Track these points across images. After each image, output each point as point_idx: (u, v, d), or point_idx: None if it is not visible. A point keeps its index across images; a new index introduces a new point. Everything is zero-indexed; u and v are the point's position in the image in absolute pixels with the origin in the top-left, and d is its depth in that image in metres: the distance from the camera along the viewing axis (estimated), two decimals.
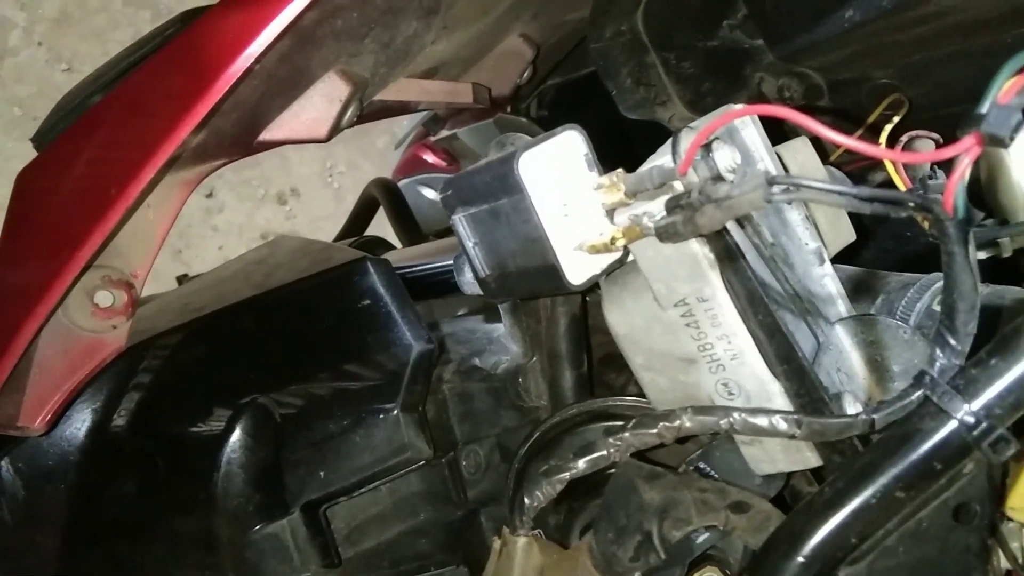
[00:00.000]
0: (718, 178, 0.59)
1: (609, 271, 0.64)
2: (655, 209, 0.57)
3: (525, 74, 1.08)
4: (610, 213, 0.61)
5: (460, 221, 0.66)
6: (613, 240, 0.59)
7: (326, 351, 0.93)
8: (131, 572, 0.89)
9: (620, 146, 0.73)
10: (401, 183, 1.67)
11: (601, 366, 0.94)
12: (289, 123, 0.89)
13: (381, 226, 1.52)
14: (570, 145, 0.61)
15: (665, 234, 0.54)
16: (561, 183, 0.60)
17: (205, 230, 2.29)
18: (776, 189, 0.48)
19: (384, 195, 1.45)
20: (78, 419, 0.88)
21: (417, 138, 1.89)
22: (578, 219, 0.60)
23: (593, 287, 0.69)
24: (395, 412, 0.87)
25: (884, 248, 1.00)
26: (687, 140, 0.60)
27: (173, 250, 2.22)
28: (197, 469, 0.89)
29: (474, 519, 0.93)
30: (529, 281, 0.63)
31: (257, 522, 0.87)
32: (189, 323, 0.94)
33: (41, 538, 0.88)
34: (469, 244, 0.65)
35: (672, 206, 0.55)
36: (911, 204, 0.48)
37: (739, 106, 0.68)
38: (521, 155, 0.59)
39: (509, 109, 1.17)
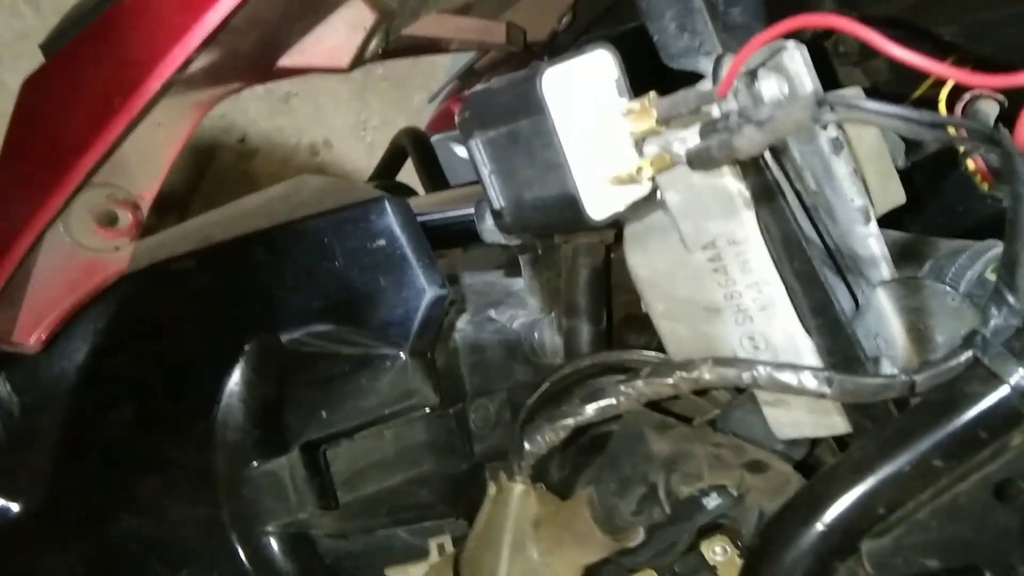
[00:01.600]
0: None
1: (634, 209, 0.58)
2: (688, 136, 0.52)
3: (564, 19, 1.03)
4: (639, 143, 0.56)
5: (476, 146, 0.61)
6: (639, 170, 0.54)
7: (337, 290, 0.90)
8: (124, 500, 0.86)
9: None
10: (433, 139, 1.63)
11: (622, 326, 0.90)
12: (310, 49, 0.85)
13: (411, 183, 1.48)
14: (600, 66, 0.56)
15: (697, 160, 0.49)
16: (587, 106, 0.55)
17: (236, 175, 2.26)
18: (826, 110, 0.43)
19: (413, 145, 1.41)
20: (79, 340, 0.85)
21: (452, 92, 1.84)
22: (603, 147, 0.55)
23: (617, 232, 0.64)
24: (403, 356, 0.84)
25: (934, 222, 0.94)
26: (729, 62, 0.55)
27: (202, 193, 2.20)
28: (197, 400, 0.86)
29: (478, 474, 0.90)
30: (546, 213, 0.58)
31: (255, 458, 0.84)
32: (200, 251, 0.91)
33: (34, 458, 0.86)
34: (485, 171, 0.60)
35: (708, 131, 0.50)
36: (978, 133, 0.43)
37: (791, 42, 0.63)
38: (545, 71, 0.54)
39: (546, 58, 1.11)
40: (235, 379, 0.86)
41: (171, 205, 2.02)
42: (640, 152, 0.55)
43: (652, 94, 0.54)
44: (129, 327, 0.86)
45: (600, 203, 0.55)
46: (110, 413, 0.86)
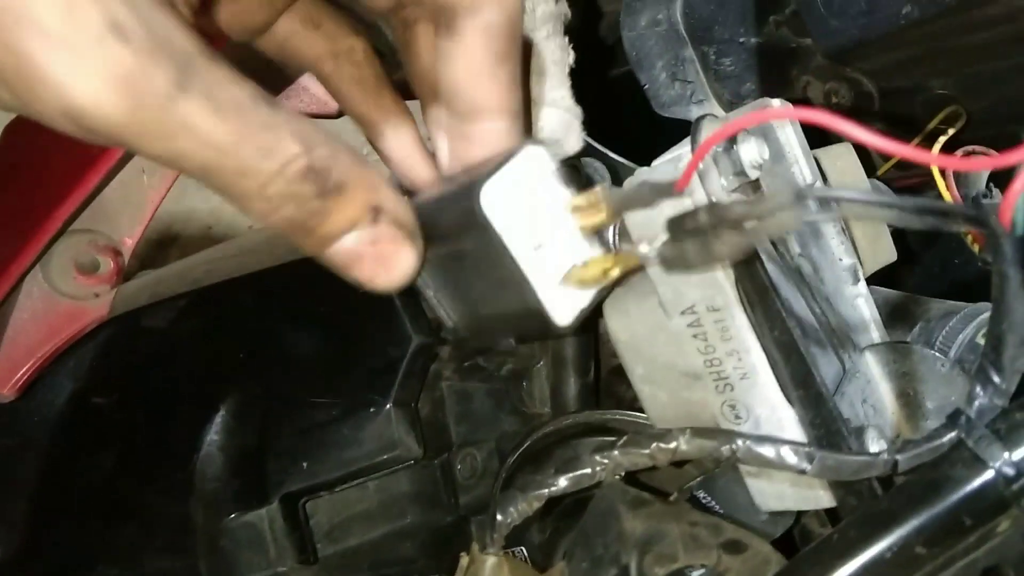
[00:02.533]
0: (741, 174, 0.53)
1: (600, 300, 0.53)
2: (652, 225, 0.49)
3: None
4: (593, 236, 0.51)
5: None
6: (606, 272, 0.49)
7: (323, 335, 0.89)
8: (101, 550, 0.85)
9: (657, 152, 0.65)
10: None
11: (612, 376, 0.88)
12: (298, 95, 0.84)
13: None
14: (535, 163, 0.50)
15: (672, 263, 0.46)
16: (533, 210, 0.50)
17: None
18: (812, 205, 0.41)
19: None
20: (57, 386, 0.84)
21: None
22: (557, 248, 0.50)
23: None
24: (387, 406, 0.83)
25: (929, 274, 0.92)
26: (709, 130, 0.53)
27: (202, 226, 2.19)
28: (176, 448, 0.85)
29: (464, 527, 0.88)
30: (508, 324, 0.54)
31: (233, 509, 0.83)
32: (182, 295, 0.90)
33: (11, 504, 0.84)
34: (429, 293, 0.54)
35: (677, 228, 0.46)
36: (962, 216, 0.41)
37: (776, 102, 0.62)
38: (481, 189, 0.47)
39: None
40: (215, 426, 0.85)
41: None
42: (599, 246, 0.51)
43: (599, 188, 0.49)
44: (108, 373, 0.85)
45: (565, 307, 0.51)
46: (87, 460, 0.85)
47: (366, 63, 0.59)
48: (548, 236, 0.50)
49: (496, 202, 0.48)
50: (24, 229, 0.72)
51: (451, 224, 0.50)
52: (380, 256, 0.47)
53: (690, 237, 0.44)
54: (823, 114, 0.42)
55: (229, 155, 0.41)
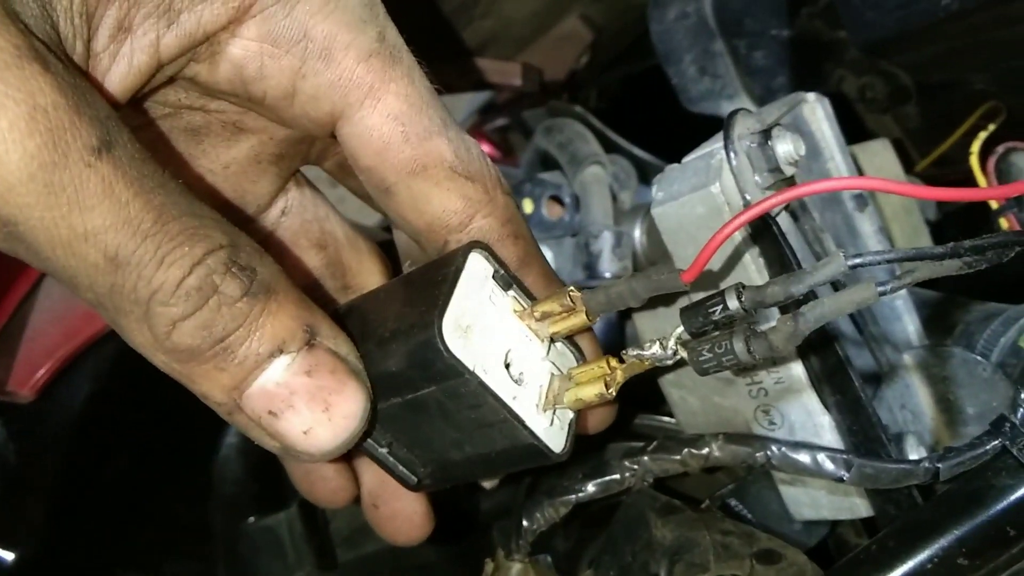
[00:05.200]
0: (775, 170, 0.51)
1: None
2: (669, 337, 0.41)
3: (583, 59, 1.01)
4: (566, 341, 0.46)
5: None
6: (607, 387, 0.42)
7: None
8: (119, 553, 0.84)
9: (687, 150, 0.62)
10: None
11: (638, 380, 0.86)
12: None
13: None
14: (479, 274, 0.43)
15: (716, 367, 0.39)
16: (493, 332, 0.43)
17: None
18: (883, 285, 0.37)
19: None
20: (77, 387, 0.83)
21: (472, 127, 1.82)
22: (531, 370, 0.44)
23: None
24: None
25: (967, 277, 0.89)
26: (743, 124, 0.51)
27: None
28: (195, 451, 0.84)
29: (485, 533, 0.86)
30: (493, 464, 0.46)
31: (252, 513, 0.82)
32: None
33: (29, 506, 0.84)
34: (383, 452, 0.47)
35: (701, 328, 0.40)
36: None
37: (812, 96, 0.59)
38: (440, 328, 0.39)
39: (565, 97, 1.09)
40: (234, 430, 0.84)
41: None
42: (574, 353, 0.47)
43: (572, 291, 0.44)
44: (127, 375, 0.84)
45: (559, 436, 0.44)
46: (105, 462, 0.84)
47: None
48: (518, 355, 0.43)
49: (455, 335, 0.40)
50: None
51: (409, 370, 0.41)
52: (318, 392, 0.37)
53: (736, 337, 0.38)
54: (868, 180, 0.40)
55: (147, 238, 0.33)
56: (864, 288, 0.37)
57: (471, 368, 0.40)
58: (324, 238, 0.53)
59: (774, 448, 0.50)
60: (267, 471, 0.83)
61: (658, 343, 0.40)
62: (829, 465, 0.49)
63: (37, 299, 0.75)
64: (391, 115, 0.43)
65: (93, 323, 0.77)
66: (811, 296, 0.40)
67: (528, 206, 0.83)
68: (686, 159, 0.54)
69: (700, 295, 0.41)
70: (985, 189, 0.42)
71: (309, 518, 0.80)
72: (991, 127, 0.75)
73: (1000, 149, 0.71)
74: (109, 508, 0.84)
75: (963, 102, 0.78)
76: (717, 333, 0.39)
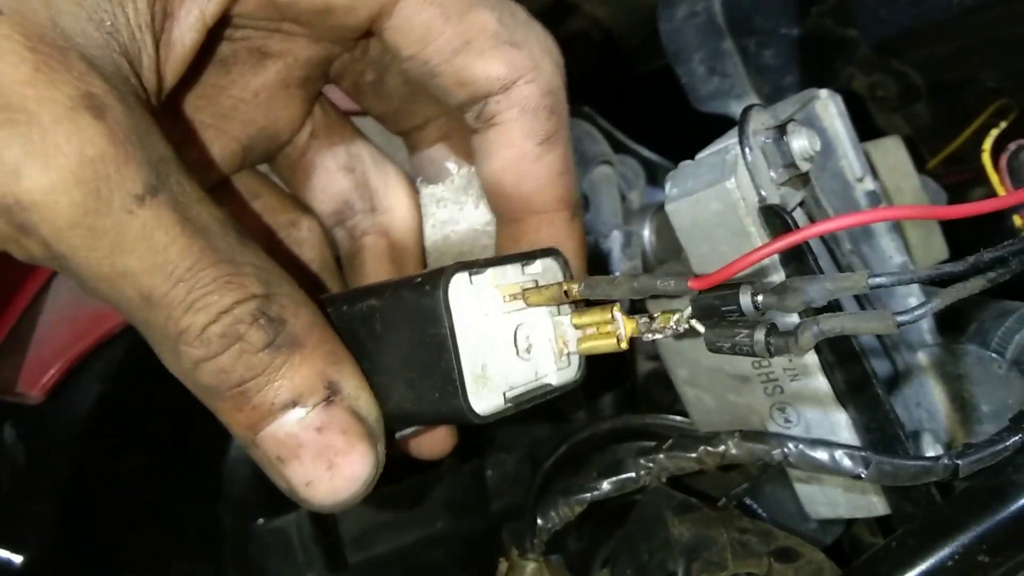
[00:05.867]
0: (791, 166, 0.51)
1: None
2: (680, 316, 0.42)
3: (591, 59, 1.01)
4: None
5: None
6: (619, 341, 0.43)
7: None
8: (128, 555, 0.83)
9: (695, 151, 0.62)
10: None
11: (649, 381, 0.86)
12: None
13: None
14: (463, 296, 0.43)
15: (729, 349, 0.40)
16: (497, 330, 0.44)
17: None
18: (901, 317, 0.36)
19: None
20: (86, 388, 0.83)
21: None
22: (537, 324, 0.45)
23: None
24: None
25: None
26: (757, 120, 0.51)
27: None
28: (205, 452, 0.84)
29: (495, 534, 0.86)
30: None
31: (262, 515, 0.81)
32: None
33: (38, 508, 0.83)
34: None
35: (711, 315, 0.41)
36: None
37: (824, 92, 0.59)
38: (471, 408, 0.41)
39: (573, 97, 1.08)
40: None
41: None
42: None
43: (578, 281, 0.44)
44: (136, 375, 0.83)
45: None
46: (114, 464, 0.84)
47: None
48: (524, 323, 0.45)
49: (477, 386, 0.41)
50: None
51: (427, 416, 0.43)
52: (325, 450, 0.38)
53: (757, 332, 0.39)
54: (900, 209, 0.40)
55: (180, 282, 0.35)
56: (883, 317, 0.37)
57: (503, 404, 0.43)
58: (351, 161, 0.54)
59: (791, 445, 0.49)
60: None
61: (674, 316, 0.41)
62: (847, 462, 0.48)
63: (46, 300, 0.75)
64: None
65: (102, 324, 0.77)
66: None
67: None
68: (700, 155, 0.54)
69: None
70: (1006, 197, 0.41)
71: (318, 519, 0.80)
72: (1002, 125, 0.75)
73: (1012, 147, 0.71)
74: (118, 510, 0.84)
75: (974, 100, 0.78)
76: (736, 318, 0.40)
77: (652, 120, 0.97)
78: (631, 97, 1.18)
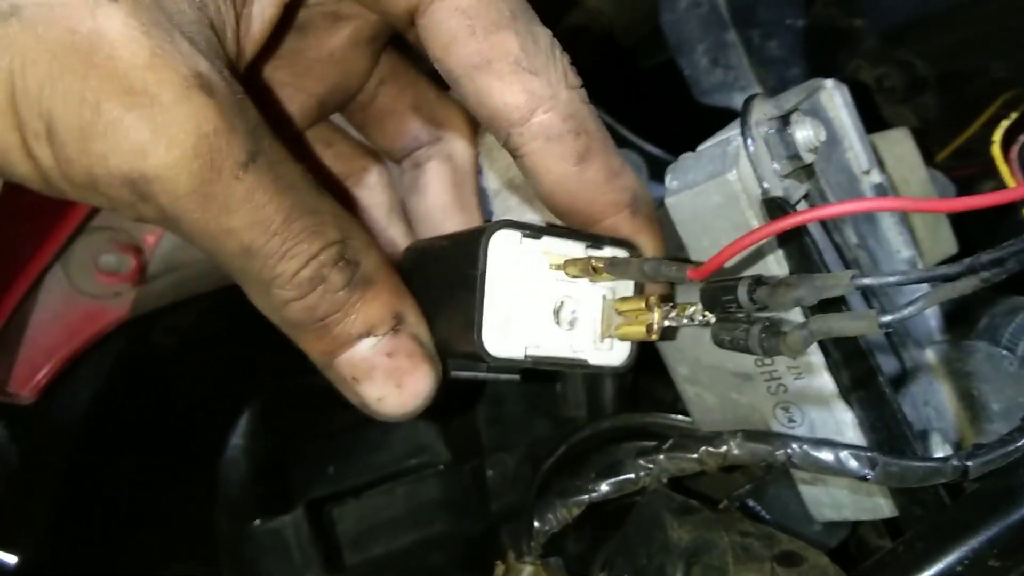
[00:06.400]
0: (795, 158, 0.49)
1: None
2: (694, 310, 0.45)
3: (592, 52, 0.99)
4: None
5: None
6: (650, 331, 0.46)
7: None
8: (122, 556, 0.83)
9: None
10: None
11: (651, 378, 0.85)
12: None
13: None
14: (506, 252, 0.46)
15: (730, 344, 0.42)
16: (538, 294, 0.47)
17: None
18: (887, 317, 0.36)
19: None
20: (79, 388, 0.82)
21: None
22: (584, 300, 0.48)
23: None
24: None
25: None
26: (760, 110, 0.49)
27: None
28: (199, 452, 0.83)
29: (495, 535, 0.85)
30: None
31: (257, 515, 0.80)
32: (209, 294, 0.88)
33: (32, 508, 0.82)
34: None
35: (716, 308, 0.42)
36: None
37: (829, 82, 0.57)
38: (484, 346, 0.44)
39: None
40: (240, 430, 0.82)
41: None
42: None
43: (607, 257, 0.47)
44: (130, 375, 0.83)
45: (623, 349, 0.50)
46: (108, 464, 0.83)
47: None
48: (569, 297, 0.48)
49: (494, 331, 0.45)
50: (44, 225, 0.70)
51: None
52: (394, 372, 0.44)
53: (753, 328, 0.40)
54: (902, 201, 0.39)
55: (276, 235, 0.39)
56: (866, 318, 0.36)
57: (521, 356, 0.46)
58: (418, 99, 0.59)
59: (795, 446, 0.48)
60: (272, 473, 0.82)
61: (689, 308, 0.44)
62: (853, 463, 0.46)
63: (37, 299, 0.74)
64: (459, 8, 0.45)
65: (94, 323, 0.76)
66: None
67: None
68: (701, 147, 0.52)
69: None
70: (1014, 189, 0.40)
71: (315, 520, 0.79)
72: (1013, 116, 0.73)
73: (1023, 138, 0.70)
74: (112, 510, 0.83)
75: (982, 91, 0.76)
76: (741, 315, 0.40)
77: (654, 115, 0.96)
78: (633, 91, 1.17)
